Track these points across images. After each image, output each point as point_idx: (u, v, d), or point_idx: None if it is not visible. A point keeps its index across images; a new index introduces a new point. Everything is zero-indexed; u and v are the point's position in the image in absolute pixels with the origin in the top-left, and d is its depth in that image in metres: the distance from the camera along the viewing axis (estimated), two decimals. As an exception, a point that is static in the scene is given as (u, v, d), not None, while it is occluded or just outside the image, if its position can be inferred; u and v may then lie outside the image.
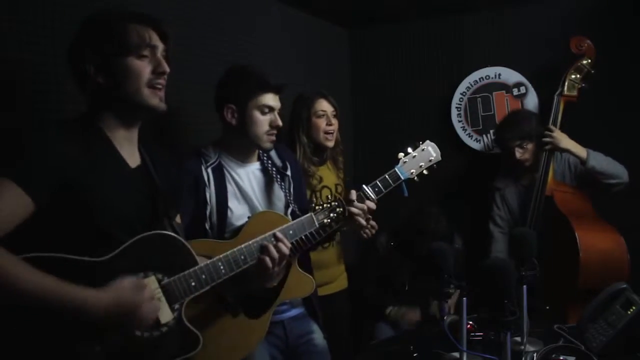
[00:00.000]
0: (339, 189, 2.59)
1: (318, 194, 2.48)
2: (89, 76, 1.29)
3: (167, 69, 1.35)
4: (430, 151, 1.87)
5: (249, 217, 1.86)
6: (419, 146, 1.88)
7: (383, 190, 1.80)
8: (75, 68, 1.31)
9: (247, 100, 1.83)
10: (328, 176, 2.55)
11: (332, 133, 2.47)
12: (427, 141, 1.89)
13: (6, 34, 1.59)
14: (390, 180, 1.81)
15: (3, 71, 1.60)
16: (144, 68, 1.31)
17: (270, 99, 1.85)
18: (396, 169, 1.83)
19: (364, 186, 1.79)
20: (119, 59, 1.29)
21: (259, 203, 1.92)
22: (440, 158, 1.88)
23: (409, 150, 1.87)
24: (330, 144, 2.48)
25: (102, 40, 1.29)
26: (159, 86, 1.34)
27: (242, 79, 1.85)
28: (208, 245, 1.77)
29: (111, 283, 1.22)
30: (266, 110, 1.84)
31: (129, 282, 1.24)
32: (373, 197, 1.78)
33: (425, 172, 1.87)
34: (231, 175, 1.89)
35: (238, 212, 1.87)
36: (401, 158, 1.85)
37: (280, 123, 1.87)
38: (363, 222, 1.77)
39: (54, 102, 1.69)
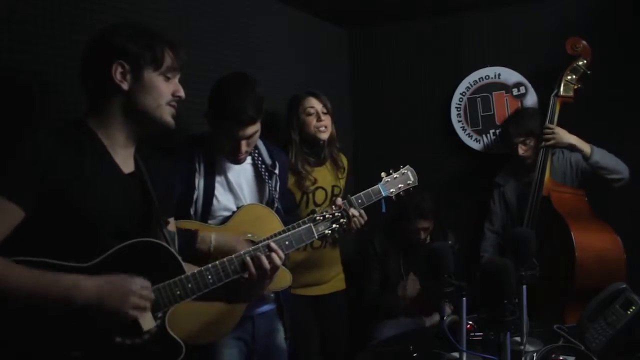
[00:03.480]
0: (336, 190, 2.56)
1: (310, 196, 2.46)
2: (111, 78, 1.30)
3: (184, 96, 1.41)
4: (409, 175, 2.07)
5: (237, 208, 1.90)
6: (399, 169, 2.06)
7: (365, 202, 1.97)
8: (100, 63, 1.31)
9: (218, 125, 1.87)
10: (325, 177, 2.53)
11: (325, 127, 2.45)
12: (407, 166, 2.08)
13: (5, 36, 1.59)
14: (372, 195, 1.99)
15: (2, 74, 1.60)
16: (167, 89, 1.37)
17: (237, 131, 1.84)
18: (379, 186, 2.00)
19: (349, 196, 1.95)
20: (150, 73, 1.34)
21: (245, 197, 1.96)
22: (417, 183, 2.06)
23: (391, 171, 2.04)
24: (324, 135, 2.45)
25: (144, 50, 1.32)
26: (175, 107, 1.40)
27: (218, 104, 1.85)
28: (196, 226, 1.81)
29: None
30: (231, 138, 1.85)
31: (119, 275, 1.26)
32: (356, 206, 1.92)
33: (402, 193, 2.04)
34: (221, 166, 1.93)
35: (224, 202, 1.91)
36: (384, 177, 2.01)
37: (248, 149, 1.90)
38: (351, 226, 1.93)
39: (53, 103, 1.69)
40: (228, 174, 1.94)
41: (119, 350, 1.27)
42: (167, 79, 1.37)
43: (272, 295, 2.04)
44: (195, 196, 1.86)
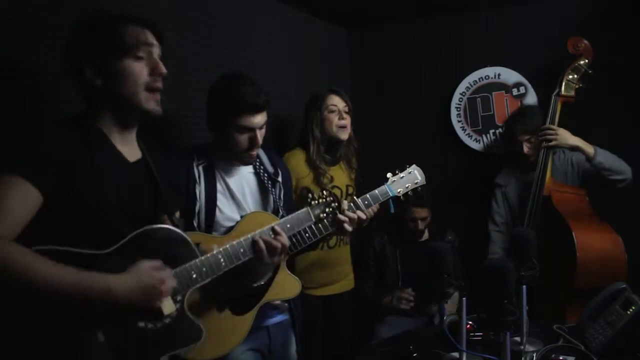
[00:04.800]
0: (350, 190, 2.58)
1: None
2: (86, 78, 1.31)
3: (164, 71, 1.35)
4: (416, 174, 2.02)
5: (241, 217, 1.88)
6: (406, 169, 2.02)
7: (372, 203, 1.93)
8: (72, 70, 1.32)
9: (228, 122, 1.80)
10: (339, 176, 2.55)
11: (345, 127, 2.47)
12: (414, 165, 2.04)
13: (4, 35, 1.59)
14: (379, 196, 1.94)
15: (2, 72, 1.60)
16: (141, 70, 1.32)
17: (249, 120, 1.79)
18: (386, 186, 1.96)
19: (355, 198, 1.92)
20: (115, 61, 1.30)
21: (248, 206, 1.91)
22: (424, 182, 2.03)
23: (397, 171, 2.00)
24: (344, 136, 2.49)
25: (98, 43, 1.30)
26: (157, 89, 1.35)
27: (226, 98, 1.80)
28: (201, 238, 1.77)
29: (130, 267, 1.25)
30: (244, 130, 1.80)
31: (148, 264, 1.28)
32: (363, 208, 1.89)
33: (410, 192, 2.00)
34: (222, 176, 1.89)
35: (226, 212, 1.86)
36: (390, 177, 1.98)
37: (259, 142, 1.84)
38: (349, 229, 1.86)
39: (53, 102, 1.69)
40: (229, 183, 1.89)
41: (141, 334, 1.29)
42: (138, 58, 1.31)
43: (285, 304, 2.01)
44: (197, 207, 1.81)
